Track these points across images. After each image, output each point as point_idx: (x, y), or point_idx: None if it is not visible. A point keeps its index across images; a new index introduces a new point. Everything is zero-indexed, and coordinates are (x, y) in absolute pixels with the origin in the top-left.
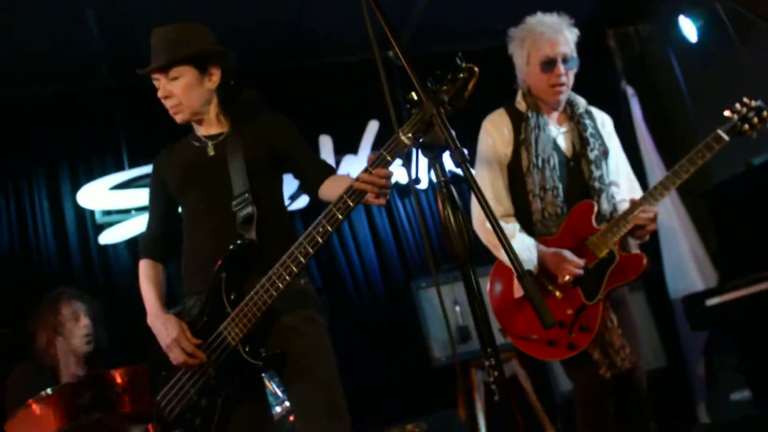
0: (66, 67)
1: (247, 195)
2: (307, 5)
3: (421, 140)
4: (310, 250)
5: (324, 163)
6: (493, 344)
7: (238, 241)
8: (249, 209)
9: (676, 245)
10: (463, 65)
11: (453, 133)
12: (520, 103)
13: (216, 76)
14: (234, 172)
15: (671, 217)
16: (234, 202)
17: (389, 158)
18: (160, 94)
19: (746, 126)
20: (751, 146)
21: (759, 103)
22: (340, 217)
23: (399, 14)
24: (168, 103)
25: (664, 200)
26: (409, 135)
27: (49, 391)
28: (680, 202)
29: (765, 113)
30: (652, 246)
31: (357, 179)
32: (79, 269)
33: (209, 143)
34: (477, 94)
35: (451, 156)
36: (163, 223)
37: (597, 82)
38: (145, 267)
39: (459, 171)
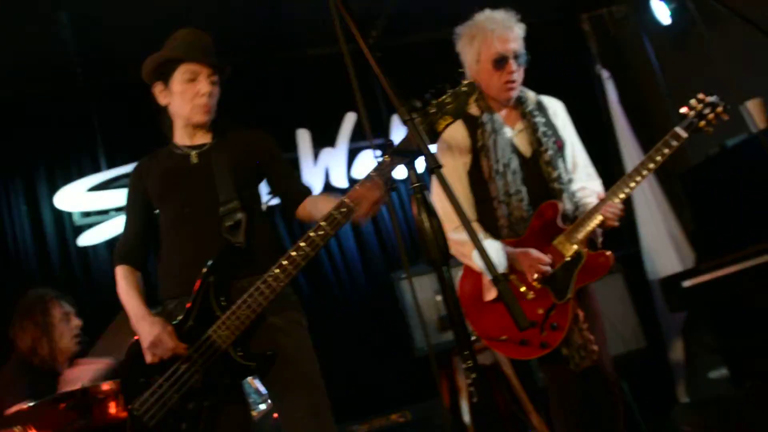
0: (40, 70)
1: (235, 202)
2: None
3: (395, 146)
4: (310, 252)
5: (302, 185)
6: (470, 347)
7: (227, 245)
8: (238, 215)
9: (654, 227)
10: (464, 81)
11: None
12: (472, 107)
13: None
14: (220, 179)
15: (648, 199)
16: (221, 209)
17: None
18: (206, 88)
19: (703, 122)
20: (725, 128)
21: (714, 98)
22: (342, 219)
23: (374, 1)
24: (209, 100)
25: (642, 182)
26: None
27: (31, 403)
28: (657, 183)
29: (720, 109)
30: (630, 228)
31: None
32: (58, 271)
33: (192, 152)
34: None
35: (425, 161)
36: (142, 231)
37: (572, 66)
38: (123, 272)
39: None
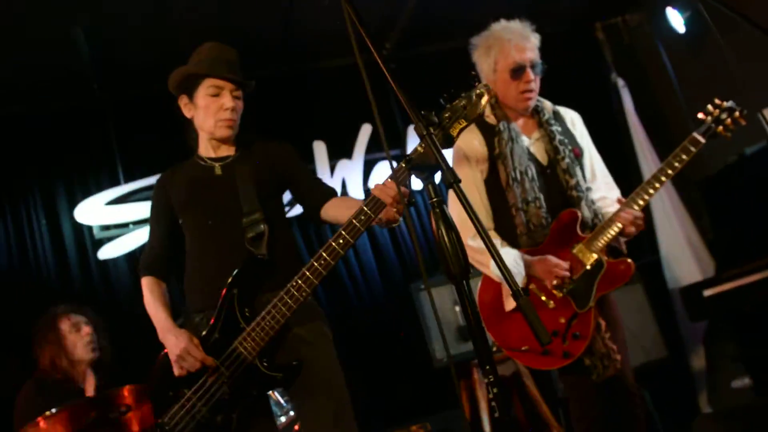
0: (57, 84)
1: (258, 214)
2: (297, 8)
3: (411, 161)
4: (331, 261)
5: (328, 186)
6: (491, 361)
7: (251, 257)
8: (261, 227)
9: (673, 235)
10: (478, 84)
11: (443, 153)
12: (489, 116)
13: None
14: (243, 191)
15: (667, 208)
16: (244, 220)
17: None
18: (229, 103)
19: (720, 127)
20: (743, 136)
21: (730, 104)
22: (361, 228)
23: (388, 14)
24: (232, 115)
25: (661, 191)
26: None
27: (54, 410)
28: (675, 191)
29: (737, 113)
30: (649, 237)
31: (373, 189)
32: (79, 285)
33: (216, 164)
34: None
35: (442, 176)
36: (166, 242)
37: (587, 75)
38: (149, 284)
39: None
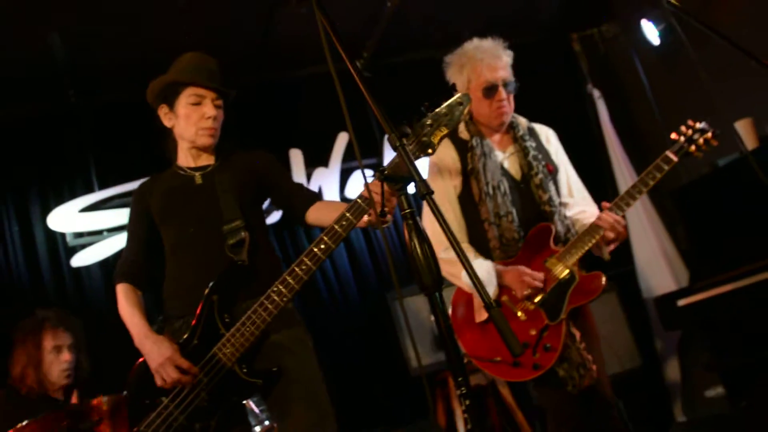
0: (32, 90)
1: (239, 221)
2: (275, 17)
3: (385, 173)
4: (313, 266)
5: (310, 190)
6: (464, 372)
7: (231, 264)
8: (241, 234)
9: (647, 245)
10: (458, 93)
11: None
12: (463, 132)
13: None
14: (223, 199)
15: (641, 218)
16: (225, 227)
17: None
18: (211, 112)
19: (693, 147)
20: (716, 148)
21: (703, 125)
22: (343, 233)
23: (365, 23)
24: (213, 124)
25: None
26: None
27: (24, 422)
28: (650, 202)
29: (709, 134)
30: (623, 246)
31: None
32: (51, 292)
33: (197, 173)
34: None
35: (416, 187)
36: (144, 250)
37: (563, 86)
38: (125, 291)
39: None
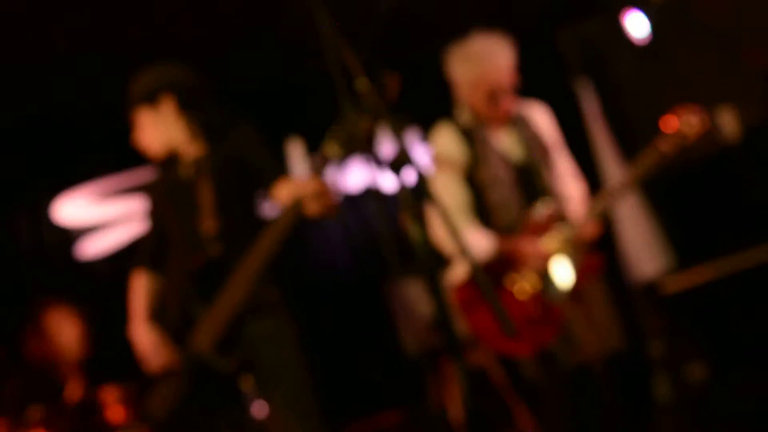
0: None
1: (217, 211)
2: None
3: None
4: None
5: (277, 167)
6: (461, 353)
7: (207, 258)
8: (219, 224)
9: (634, 230)
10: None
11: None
12: (463, 119)
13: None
14: (202, 194)
15: (629, 202)
16: (204, 219)
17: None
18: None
19: (681, 135)
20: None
21: (690, 112)
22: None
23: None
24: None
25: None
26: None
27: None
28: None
29: (697, 121)
30: (610, 231)
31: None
32: (59, 284)
33: (184, 168)
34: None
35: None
36: (158, 237)
37: (551, 78)
38: (138, 274)
39: None
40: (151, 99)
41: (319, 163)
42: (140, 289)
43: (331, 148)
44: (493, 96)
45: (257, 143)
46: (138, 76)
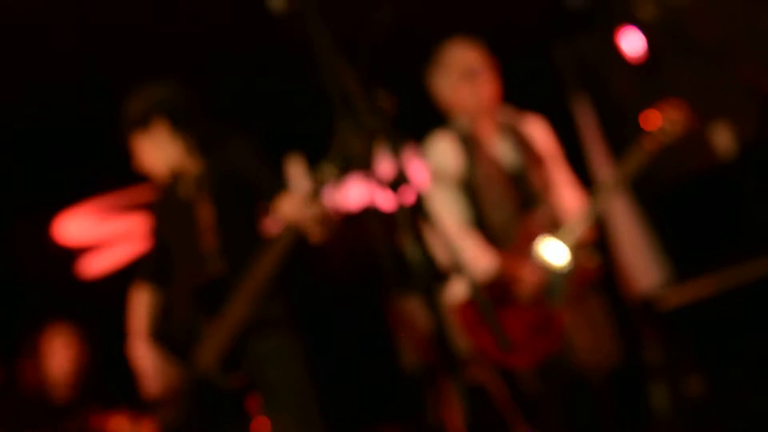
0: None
1: (217, 228)
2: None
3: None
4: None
5: (278, 181)
6: (460, 370)
7: (209, 276)
8: (219, 241)
9: (631, 242)
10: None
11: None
12: (454, 125)
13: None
14: (200, 210)
15: (625, 217)
16: (204, 237)
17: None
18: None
19: (663, 133)
20: (696, 151)
21: (671, 108)
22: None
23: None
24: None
25: (619, 200)
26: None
27: None
28: (633, 201)
29: (679, 117)
30: (607, 245)
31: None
32: (60, 301)
33: (182, 185)
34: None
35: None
36: (160, 252)
37: (546, 93)
38: (139, 290)
39: None
40: (143, 124)
41: (317, 185)
42: (140, 304)
43: (330, 168)
44: (466, 76)
45: (253, 156)
46: (128, 101)
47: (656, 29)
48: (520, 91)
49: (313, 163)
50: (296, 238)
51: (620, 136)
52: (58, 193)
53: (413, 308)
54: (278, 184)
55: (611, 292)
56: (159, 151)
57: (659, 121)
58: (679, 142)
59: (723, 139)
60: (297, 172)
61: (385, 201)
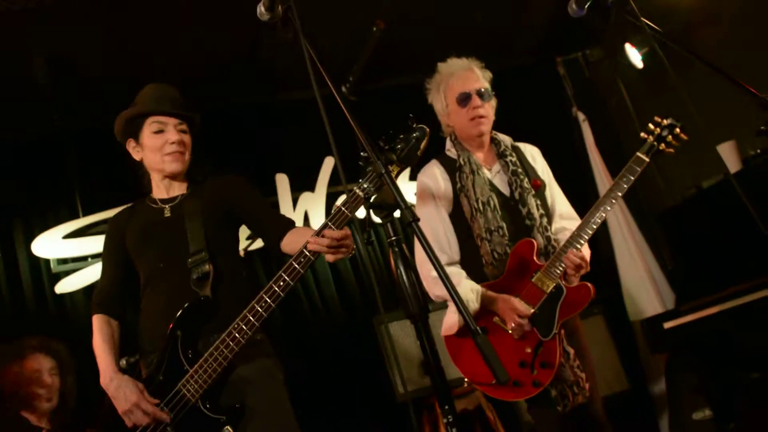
0: (16, 115)
1: (203, 253)
2: (260, 41)
3: (371, 201)
4: (272, 303)
5: (283, 218)
6: (450, 399)
7: (193, 299)
8: (205, 267)
9: (633, 268)
10: (415, 125)
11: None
12: (450, 151)
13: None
14: (190, 231)
15: (627, 240)
16: (190, 260)
17: (348, 214)
18: (174, 137)
19: (663, 145)
20: (701, 170)
21: (670, 121)
22: (301, 270)
23: (352, 47)
24: (177, 148)
25: (620, 224)
26: (365, 188)
27: None
28: (635, 225)
29: (677, 130)
30: (610, 269)
31: (307, 242)
32: (35, 319)
33: (166, 206)
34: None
35: (402, 214)
36: (119, 279)
37: (548, 109)
38: (99, 323)
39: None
40: (135, 134)
41: (351, 204)
42: (107, 335)
43: (375, 213)
44: (462, 100)
45: (256, 193)
46: (121, 114)
47: (659, 44)
48: (525, 107)
49: (299, 182)
50: (309, 266)
51: (622, 152)
52: (32, 210)
53: (404, 334)
54: (286, 220)
55: (614, 317)
56: (181, 146)
57: (657, 130)
58: (675, 149)
59: (729, 154)
60: (283, 188)
61: (377, 224)
